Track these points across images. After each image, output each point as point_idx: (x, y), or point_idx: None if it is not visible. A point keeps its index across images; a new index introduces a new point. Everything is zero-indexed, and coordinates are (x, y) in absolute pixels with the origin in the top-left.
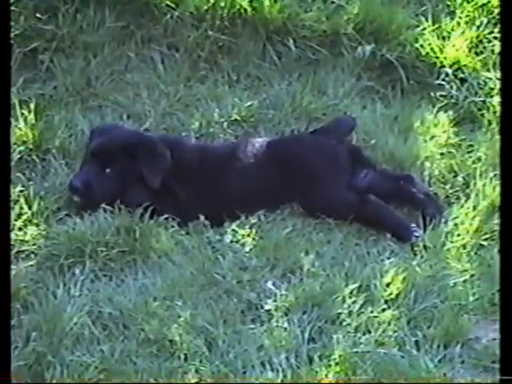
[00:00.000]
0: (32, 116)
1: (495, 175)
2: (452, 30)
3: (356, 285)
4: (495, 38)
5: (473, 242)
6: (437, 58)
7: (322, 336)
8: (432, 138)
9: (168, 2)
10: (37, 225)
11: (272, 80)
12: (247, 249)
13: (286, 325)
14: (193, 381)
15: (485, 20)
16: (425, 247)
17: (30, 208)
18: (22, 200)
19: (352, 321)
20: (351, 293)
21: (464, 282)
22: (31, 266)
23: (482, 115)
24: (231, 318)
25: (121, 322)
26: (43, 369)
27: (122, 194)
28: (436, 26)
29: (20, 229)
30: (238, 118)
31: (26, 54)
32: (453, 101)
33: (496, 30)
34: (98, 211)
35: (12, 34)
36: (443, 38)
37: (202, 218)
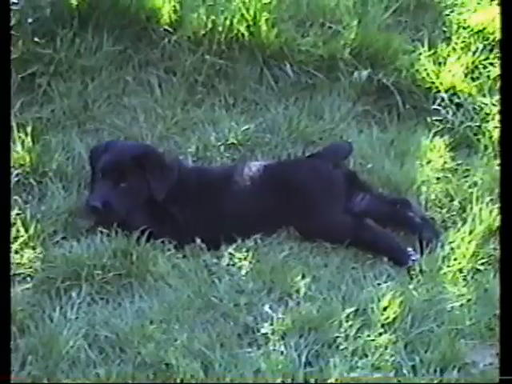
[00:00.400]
0: (29, 139)
1: (491, 200)
2: (448, 55)
3: (353, 309)
4: (491, 63)
5: (469, 266)
6: (433, 83)
7: (319, 360)
8: (428, 162)
9: (166, 27)
10: (33, 248)
11: (269, 104)
12: (244, 272)
13: (282, 348)
14: None
15: (480, 46)
16: (421, 271)
17: (26, 231)
18: (18, 223)
19: (349, 345)
20: (348, 317)
21: (461, 306)
22: (27, 289)
23: (478, 140)
24: (228, 341)
25: (117, 345)
26: None
27: (137, 207)
28: (432, 51)
29: (16, 252)
30: (235, 141)
31: (24, 77)
32: (449, 126)
33: (491, 55)
34: (95, 234)
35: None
36: (439, 64)
37: (198, 241)
